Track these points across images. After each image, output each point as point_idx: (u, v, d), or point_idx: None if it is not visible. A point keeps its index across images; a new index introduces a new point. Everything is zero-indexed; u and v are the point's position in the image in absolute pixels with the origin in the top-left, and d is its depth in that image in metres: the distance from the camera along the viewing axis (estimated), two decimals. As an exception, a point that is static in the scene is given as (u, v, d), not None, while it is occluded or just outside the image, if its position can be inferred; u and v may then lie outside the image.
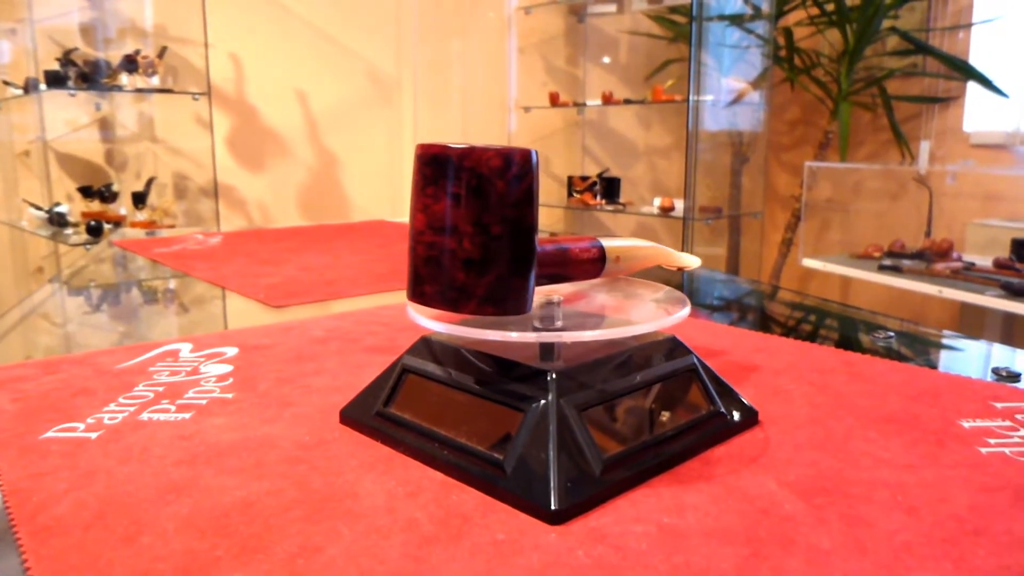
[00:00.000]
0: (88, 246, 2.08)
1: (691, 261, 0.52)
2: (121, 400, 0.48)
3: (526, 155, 0.36)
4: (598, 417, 0.37)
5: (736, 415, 0.42)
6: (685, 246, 2.73)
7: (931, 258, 2.24)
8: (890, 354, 0.58)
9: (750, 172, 2.94)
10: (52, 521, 0.33)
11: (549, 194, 3.11)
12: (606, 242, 0.43)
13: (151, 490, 0.36)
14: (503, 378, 0.38)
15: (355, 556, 0.30)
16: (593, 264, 0.42)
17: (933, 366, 0.56)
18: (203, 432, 0.43)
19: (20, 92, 2.19)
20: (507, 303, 0.36)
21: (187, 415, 0.45)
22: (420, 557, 0.30)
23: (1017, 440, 0.40)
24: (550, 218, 3.14)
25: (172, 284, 0.95)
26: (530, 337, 0.37)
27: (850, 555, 0.29)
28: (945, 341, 0.67)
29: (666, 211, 2.81)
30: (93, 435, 0.42)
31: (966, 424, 0.42)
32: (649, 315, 0.42)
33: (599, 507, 0.34)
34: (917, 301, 2.43)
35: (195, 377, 0.52)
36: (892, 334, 0.63)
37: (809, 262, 2.52)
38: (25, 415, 0.45)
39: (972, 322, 2.21)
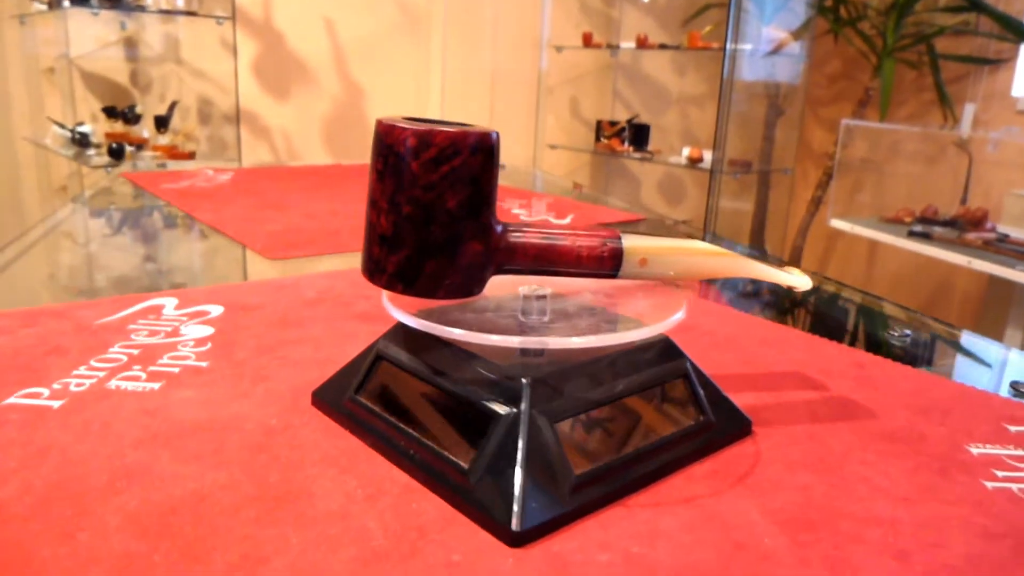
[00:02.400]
0: (109, 168, 2.07)
1: (796, 280, 0.40)
2: (93, 363, 0.46)
3: (454, 139, 0.34)
4: (574, 429, 0.34)
5: (727, 426, 0.39)
6: (711, 199, 2.66)
7: (964, 227, 2.17)
8: (905, 356, 0.55)
9: (784, 126, 2.84)
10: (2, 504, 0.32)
11: (576, 138, 3.04)
12: (634, 240, 0.38)
13: (102, 475, 0.34)
14: (477, 378, 0.35)
15: (298, 572, 0.28)
16: (599, 263, 0.38)
17: (949, 373, 0.53)
18: (168, 407, 0.41)
19: (44, 8, 2.15)
20: (416, 284, 0.35)
21: (156, 385, 0.44)
22: (366, 578, 0.28)
23: (1028, 474, 0.37)
24: (575, 163, 3.08)
25: (175, 224, 0.94)
26: (512, 342, 0.34)
27: (827, 610, 0.27)
28: (966, 342, 0.64)
29: (694, 162, 2.73)
30: (56, 404, 0.41)
31: (975, 450, 0.40)
32: (642, 312, 0.40)
33: (567, 528, 0.32)
34: (945, 270, 2.36)
35: (173, 340, 0.51)
36: (909, 333, 0.59)
37: (837, 223, 2.45)
38: (-8, 375, 0.44)
39: (1000, 297, 2.15)
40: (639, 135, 2.87)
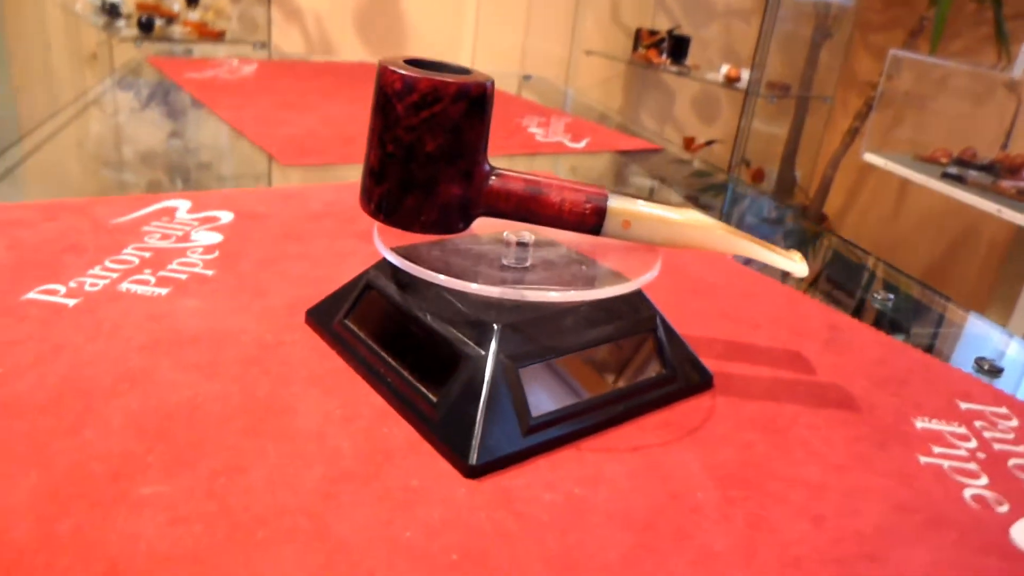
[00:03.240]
0: (139, 42, 2.06)
1: (792, 266, 0.40)
2: (107, 263, 0.49)
3: (435, 86, 0.35)
4: (537, 373, 0.37)
5: (688, 379, 0.42)
6: (743, 120, 2.60)
7: (1000, 173, 2.11)
8: (881, 320, 0.57)
9: (830, 50, 2.74)
10: (11, 398, 0.35)
11: (613, 44, 2.95)
12: (620, 201, 0.39)
13: (109, 376, 0.38)
14: (454, 317, 0.38)
15: (272, 484, 0.32)
16: (580, 219, 0.39)
17: (921, 343, 0.55)
18: (173, 314, 0.44)
19: None
20: (396, 217, 0.38)
21: (163, 291, 0.47)
22: (331, 495, 0.32)
23: (962, 454, 0.40)
24: (609, 71, 3.00)
25: (195, 120, 0.95)
26: (491, 292, 0.36)
27: (736, 563, 0.31)
28: (950, 313, 0.65)
29: (731, 81, 2.65)
30: (71, 302, 0.44)
31: (919, 424, 0.42)
32: (621, 262, 0.42)
33: (520, 465, 0.35)
34: (974, 216, 2.32)
35: (183, 245, 0.54)
36: (892, 296, 0.61)
37: (870, 157, 2.39)
38: (15, 268, 0.47)
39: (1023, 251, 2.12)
40: (678, 47, 2.78)
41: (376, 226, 0.40)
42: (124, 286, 0.47)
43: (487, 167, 0.39)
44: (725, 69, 2.68)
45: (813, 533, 0.33)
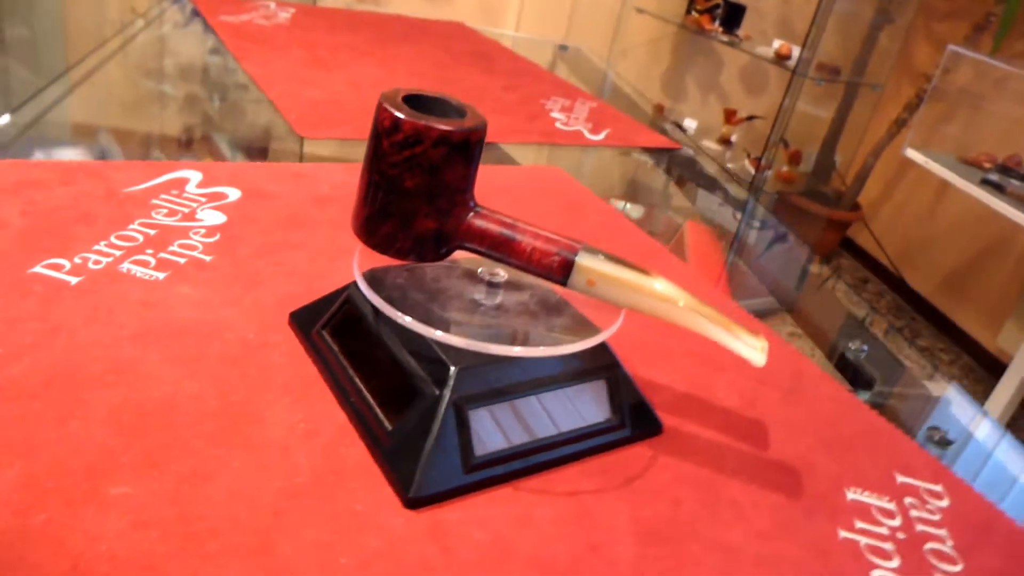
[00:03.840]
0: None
1: (750, 354, 0.39)
2: (113, 239, 0.52)
3: (418, 130, 0.37)
4: (489, 414, 0.40)
5: (638, 427, 0.44)
6: (787, 99, 2.54)
7: (1042, 186, 2.07)
8: (847, 372, 0.58)
9: (889, 35, 2.65)
10: (6, 382, 0.39)
11: (665, 5, 2.87)
12: (590, 259, 0.40)
13: (99, 364, 0.41)
14: (418, 350, 0.40)
15: (231, 495, 0.35)
16: (548, 269, 0.40)
17: (882, 403, 0.56)
18: (167, 301, 0.47)
19: None
20: (374, 240, 0.41)
21: (161, 275, 0.50)
22: (282, 512, 0.35)
23: (883, 532, 0.42)
24: (658, 32, 2.93)
25: (222, 71, 0.97)
26: (435, 334, 0.38)
27: (636, 623, 0.33)
28: (921, 372, 0.66)
29: (781, 59, 2.59)
30: (73, 280, 0.47)
31: (851, 495, 0.44)
32: (590, 311, 0.44)
33: (460, 499, 0.38)
34: (1009, 227, 2.28)
35: (187, 224, 0.56)
36: (865, 348, 0.62)
37: (912, 153, 2.34)
38: (26, 236, 0.50)
39: (1051, 269, 2.08)
40: (732, 15, 2.70)
41: (360, 247, 0.42)
42: (125, 266, 0.50)
43: (470, 204, 0.41)
44: (777, 45, 2.61)
45: (715, 602, 0.35)
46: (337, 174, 0.70)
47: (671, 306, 0.40)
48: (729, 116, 2.88)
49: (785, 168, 2.88)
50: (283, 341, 0.46)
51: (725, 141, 2.90)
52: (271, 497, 0.36)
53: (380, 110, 0.39)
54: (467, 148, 0.39)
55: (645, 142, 1.00)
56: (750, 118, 2.84)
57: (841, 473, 0.46)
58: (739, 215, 0.99)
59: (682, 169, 1.03)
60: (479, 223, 0.41)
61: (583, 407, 0.43)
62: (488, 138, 0.83)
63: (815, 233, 2.80)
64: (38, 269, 0.48)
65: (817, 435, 0.49)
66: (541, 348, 0.39)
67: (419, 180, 0.39)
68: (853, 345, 0.62)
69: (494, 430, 0.40)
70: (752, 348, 0.39)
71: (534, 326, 0.42)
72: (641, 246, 0.71)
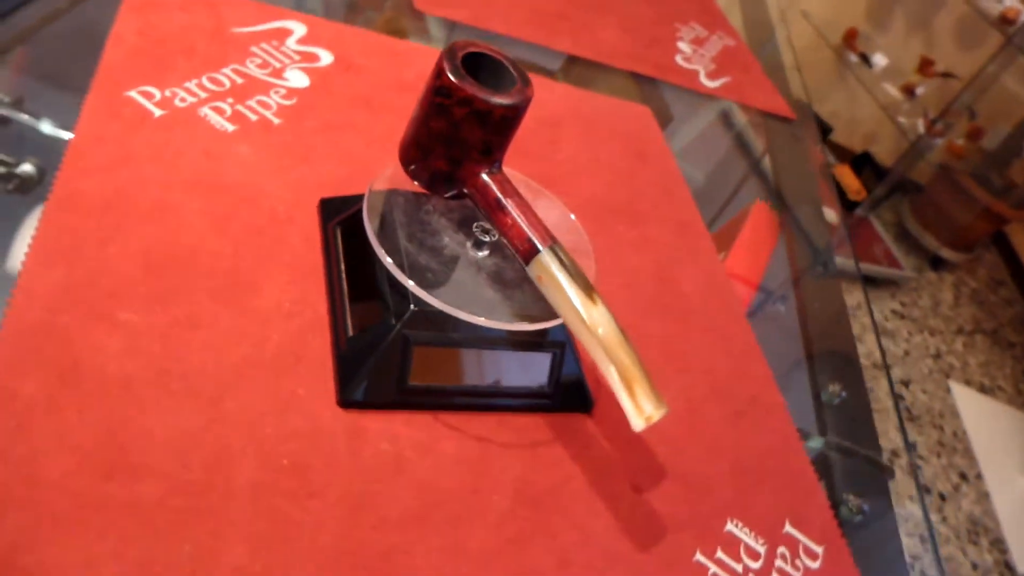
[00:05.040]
0: None
1: (632, 414, 0.39)
2: (204, 79, 0.59)
3: (450, 86, 0.42)
4: (431, 353, 0.46)
5: (565, 400, 0.50)
6: (992, 67, 2.28)
7: None
8: (813, 409, 0.60)
9: None
10: (72, 194, 0.47)
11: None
12: (548, 260, 0.42)
13: (149, 201, 0.49)
14: (391, 279, 0.46)
15: (208, 347, 0.43)
16: (515, 250, 0.44)
17: (824, 453, 0.59)
18: (225, 156, 0.54)
19: None
20: (401, 155, 0.47)
21: (231, 128, 0.56)
22: (241, 374, 0.43)
23: (736, 569, 0.47)
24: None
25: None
26: (407, 282, 0.43)
27: (482, 563, 0.41)
28: (889, 435, 0.67)
29: (1006, 22, 2.29)
30: (157, 113, 0.55)
31: (729, 526, 0.49)
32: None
33: (385, 413, 0.45)
34: None
35: (272, 81, 0.62)
36: (844, 395, 0.63)
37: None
38: (133, 57, 0.58)
39: None
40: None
41: (396, 160, 0.47)
42: (204, 110, 0.57)
43: (489, 163, 0.45)
44: (1007, 4, 2.30)
45: (556, 571, 0.42)
46: (430, 60, 0.73)
47: (589, 336, 0.41)
48: (924, 66, 2.61)
49: (960, 141, 2.63)
50: (306, 223, 0.53)
51: (908, 90, 2.65)
52: (236, 359, 0.44)
53: (439, 58, 0.43)
54: (488, 117, 0.43)
55: (759, 103, 0.96)
56: (946, 75, 2.57)
57: (732, 503, 0.50)
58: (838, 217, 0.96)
59: (793, 146, 1.00)
60: (485, 182, 0.45)
61: (520, 371, 0.49)
62: (596, 56, 0.84)
63: (967, 218, 2.60)
64: (132, 93, 0.55)
65: (735, 462, 0.53)
66: (485, 319, 0.44)
67: (441, 126, 0.43)
68: (832, 388, 0.64)
69: (432, 368, 0.46)
70: (637, 410, 0.39)
71: (500, 292, 0.47)
72: (676, 222, 0.72)
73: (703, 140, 0.94)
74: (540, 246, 0.43)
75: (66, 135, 0.50)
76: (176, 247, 0.47)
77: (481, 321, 0.43)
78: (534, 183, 0.54)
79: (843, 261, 0.90)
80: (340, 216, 0.52)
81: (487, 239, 0.48)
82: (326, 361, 0.46)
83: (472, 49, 0.45)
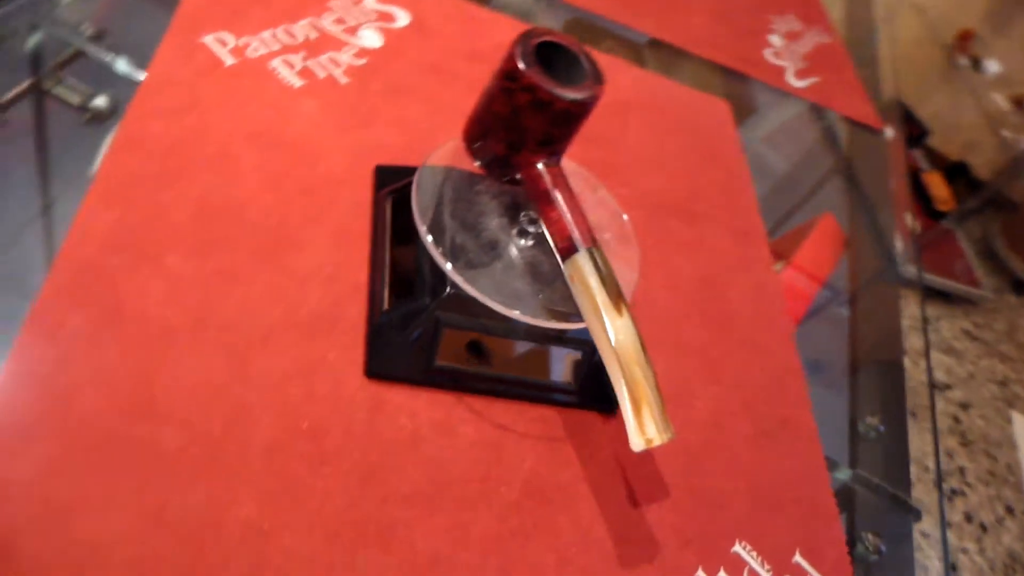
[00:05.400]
0: None
1: (632, 433, 0.39)
2: (278, 31, 0.59)
3: (514, 71, 0.41)
4: (460, 337, 0.46)
5: (591, 400, 0.49)
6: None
7: None
8: (848, 438, 0.59)
9: None
10: (138, 136, 0.49)
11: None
12: (584, 261, 0.42)
13: (211, 149, 0.50)
14: (430, 260, 0.46)
15: (245, 301, 0.44)
16: (556, 246, 0.44)
17: (850, 487, 0.57)
18: (289, 111, 0.55)
19: None
20: (464, 131, 0.46)
21: (298, 83, 0.57)
22: (272, 335, 0.44)
23: (735, 588, 0.46)
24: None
25: None
26: (445, 266, 0.43)
27: (475, 562, 0.41)
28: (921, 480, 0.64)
29: None
30: (229, 61, 0.55)
31: (737, 547, 0.48)
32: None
33: (409, 388, 0.45)
34: None
35: (345, 38, 0.62)
36: (881, 428, 0.61)
37: None
38: (211, 4, 0.59)
39: None
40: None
41: (458, 137, 0.47)
42: (275, 63, 0.57)
43: (547, 154, 0.44)
44: None
45: (554, 570, 0.43)
46: (508, 31, 0.72)
47: (607, 345, 0.40)
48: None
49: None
50: (358, 188, 0.53)
51: (1018, 103, 2.50)
52: (272, 317, 0.45)
53: (515, 40, 0.42)
54: (550, 108, 0.42)
55: (846, 109, 0.92)
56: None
57: (744, 525, 0.50)
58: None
59: (863, 169, 0.95)
60: (539, 172, 0.45)
61: (548, 364, 0.48)
62: (680, 42, 0.81)
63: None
64: (207, 39, 0.56)
65: (754, 483, 0.52)
66: (519, 313, 0.43)
67: (504, 110, 0.43)
68: (870, 419, 0.61)
69: (458, 352, 0.46)
70: (639, 430, 0.38)
71: (536, 285, 0.46)
72: (735, 227, 0.70)
73: (782, 138, 0.91)
74: (580, 246, 0.43)
75: (140, 75, 0.52)
76: (228, 198, 0.48)
77: (514, 314, 0.43)
78: (593, 178, 0.53)
79: (915, 273, 0.86)
80: (393, 185, 0.52)
81: (532, 229, 0.47)
82: (359, 329, 0.47)
83: (549, 38, 0.44)
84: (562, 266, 0.44)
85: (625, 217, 0.52)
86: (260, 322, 0.44)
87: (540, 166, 0.45)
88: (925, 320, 0.92)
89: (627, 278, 0.47)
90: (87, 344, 0.40)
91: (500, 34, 0.72)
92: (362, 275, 0.49)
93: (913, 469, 0.67)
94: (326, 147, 0.54)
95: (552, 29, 0.44)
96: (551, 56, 0.44)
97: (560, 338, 0.48)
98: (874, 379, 0.68)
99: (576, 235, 0.43)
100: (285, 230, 0.49)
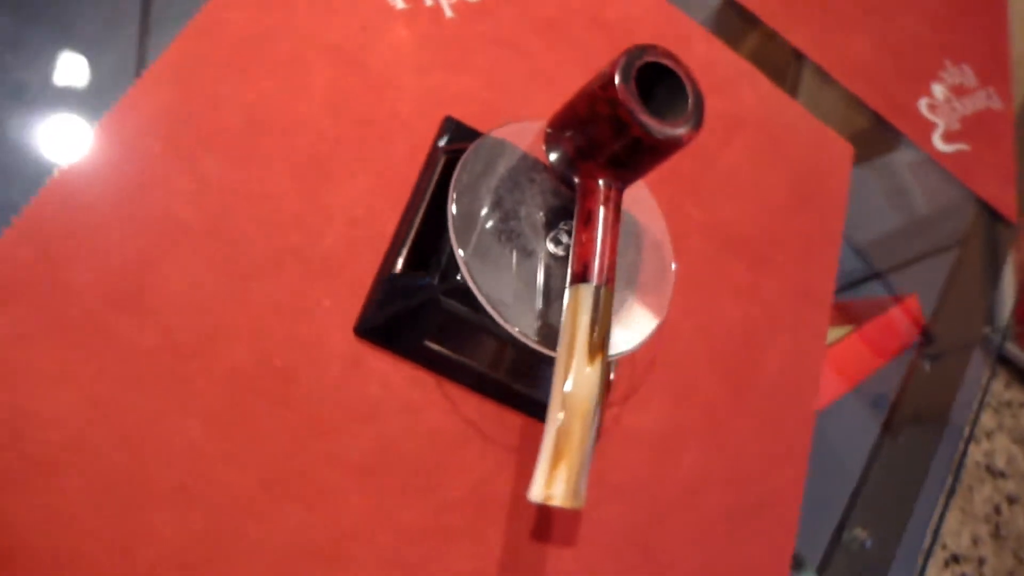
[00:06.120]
0: None
1: (537, 482, 0.35)
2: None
3: (606, 81, 0.38)
4: (456, 324, 0.44)
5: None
6: None
7: None
8: (829, 540, 0.56)
9: None
10: (222, 22, 0.48)
11: None
12: (583, 295, 0.39)
13: (281, 54, 0.49)
14: (444, 236, 0.44)
15: (264, 221, 0.44)
16: (572, 265, 0.40)
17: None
18: (379, 35, 0.53)
19: None
20: (551, 126, 0.42)
21: (401, 5, 0.54)
22: (281, 261, 0.44)
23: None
24: None
25: None
26: (462, 266, 0.41)
27: (377, 532, 0.42)
28: None
29: None
30: (399, 5, 0.53)
31: (661, 616, 0.47)
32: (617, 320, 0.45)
33: (391, 355, 0.45)
34: None
35: (467, -31, 0.59)
36: (868, 544, 0.57)
37: None
38: None
39: None
40: None
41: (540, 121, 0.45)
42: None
43: (615, 178, 0.41)
44: None
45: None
46: (642, 6, 0.67)
47: (560, 387, 0.37)
48: None
49: None
50: (421, 135, 0.51)
51: None
52: (282, 246, 0.44)
53: (627, 49, 0.39)
54: (626, 130, 0.39)
55: (984, 191, 0.83)
56: None
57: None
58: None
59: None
60: (593, 189, 0.42)
61: (539, 376, 0.47)
62: (827, 65, 0.73)
63: None
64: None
65: (709, 561, 0.50)
66: (519, 331, 0.41)
67: (584, 113, 0.40)
68: (858, 532, 0.58)
69: (452, 338, 0.45)
70: (545, 483, 0.35)
71: (545, 300, 0.44)
72: (802, 285, 0.65)
73: (901, 195, 0.83)
74: (592, 278, 0.40)
75: (244, -45, 0.50)
76: (284, 110, 0.47)
77: (512, 329, 0.41)
78: (659, 211, 0.49)
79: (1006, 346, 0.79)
80: (453, 144, 0.50)
81: (566, 240, 0.45)
82: (366, 283, 0.46)
83: (665, 62, 0.40)
84: (567, 289, 0.41)
85: (673, 267, 0.48)
86: (271, 246, 0.44)
87: (600, 183, 0.42)
88: (980, 409, 0.85)
89: (639, 327, 0.44)
90: (98, 218, 0.40)
91: (634, 6, 0.66)
92: (390, 227, 0.48)
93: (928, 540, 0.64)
94: (404, 82, 0.52)
95: (673, 53, 0.40)
96: (659, 80, 0.40)
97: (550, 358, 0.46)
98: (888, 484, 0.63)
99: (595, 266, 0.40)
100: (330, 159, 0.48)
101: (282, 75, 0.48)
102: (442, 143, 0.51)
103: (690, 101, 0.40)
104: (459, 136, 0.51)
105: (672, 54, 0.40)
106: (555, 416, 0.37)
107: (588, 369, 0.37)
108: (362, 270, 0.46)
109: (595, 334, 0.38)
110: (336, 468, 0.41)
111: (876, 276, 0.76)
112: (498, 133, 0.47)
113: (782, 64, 0.76)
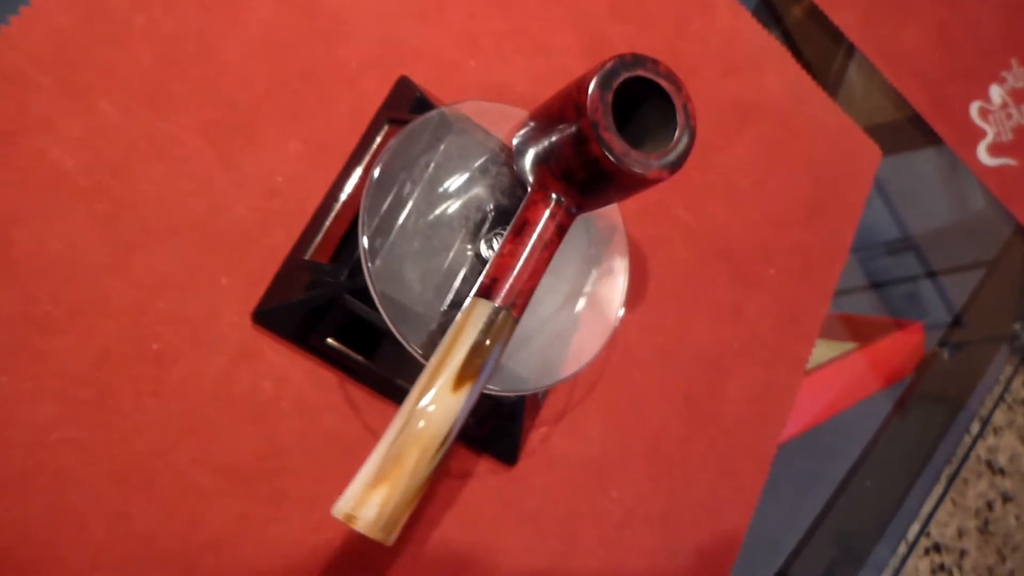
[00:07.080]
0: None
1: (346, 496, 0.30)
2: None
3: (580, 88, 0.32)
4: (360, 325, 0.39)
5: (493, 444, 0.43)
6: None
7: None
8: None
9: None
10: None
11: None
12: (477, 313, 0.33)
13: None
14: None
15: (175, 185, 0.39)
16: (482, 277, 0.35)
17: None
18: None
19: None
20: (531, 116, 0.36)
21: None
22: (177, 229, 0.39)
23: None
24: None
25: None
26: (376, 260, 0.36)
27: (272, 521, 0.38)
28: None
29: None
30: None
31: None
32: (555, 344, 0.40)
33: (288, 348, 0.40)
34: None
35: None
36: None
37: None
38: None
39: None
40: None
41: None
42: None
43: (570, 196, 0.35)
44: None
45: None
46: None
47: (410, 409, 0.31)
48: None
49: None
50: (367, 95, 0.45)
51: None
52: (182, 213, 0.39)
53: (619, 55, 0.33)
54: (583, 144, 0.32)
55: (1019, 211, 0.74)
56: None
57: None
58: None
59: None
60: (537, 201, 0.36)
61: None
62: (879, 59, 0.64)
63: None
64: None
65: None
66: (421, 354, 0.36)
67: (554, 112, 0.34)
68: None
69: (355, 339, 0.40)
70: (355, 504, 0.30)
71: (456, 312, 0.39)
72: (790, 309, 0.59)
73: (928, 208, 0.74)
74: (495, 298, 0.34)
75: None
76: (208, 52, 0.41)
77: (414, 350, 0.36)
78: (623, 244, 0.43)
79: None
80: (403, 113, 0.44)
81: (487, 256, 0.39)
82: (273, 265, 0.41)
83: (662, 82, 0.33)
84: (467, 299, 0.35)
85: (620, 313, 0.42)
86: (167, 211, 0.39)
87: (553, 196, 0.35)
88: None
89: (568, 362, 0.39)
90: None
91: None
92: (313, 203, 0.42)
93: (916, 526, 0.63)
94: (358, 28, 0.45)
95: (675, 75, 0.33)
96: (652, 101, 0.33)
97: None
98: (886, 465, 0.59)
99: (504, 284, 0.34)
100: (254, 114, 0.42)
101: (211, 6, 0.42)
102: (391, 110, 0.44)
103: (676, 135, 0.33)
104: (412, 103, 0.44)
105: (674, 75, 0.33)
106: (390, 435, 0.30)
107: (450, 397, 0.31)
108: (272, 249, 0.41)
109: (474, 359, 0.32)
110: (201, 470, 0.37)
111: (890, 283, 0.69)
112: (458, 108, 0.40)
113: (820, 47, 0.67)
